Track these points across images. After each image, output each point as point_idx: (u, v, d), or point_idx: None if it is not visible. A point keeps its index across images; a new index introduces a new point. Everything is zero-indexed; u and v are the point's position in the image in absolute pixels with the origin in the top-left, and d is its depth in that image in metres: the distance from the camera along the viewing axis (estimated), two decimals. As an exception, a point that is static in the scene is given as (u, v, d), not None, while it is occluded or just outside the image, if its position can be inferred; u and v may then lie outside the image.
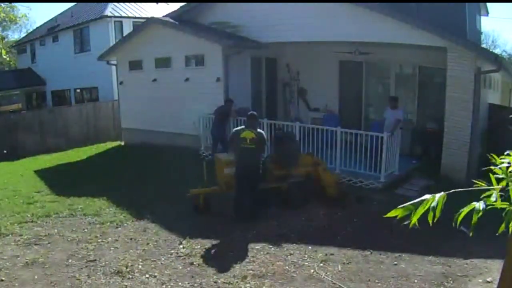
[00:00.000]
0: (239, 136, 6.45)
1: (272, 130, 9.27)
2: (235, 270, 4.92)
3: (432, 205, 1.88)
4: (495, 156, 2.00)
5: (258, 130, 6.65)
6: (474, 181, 2.01)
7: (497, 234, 2.06)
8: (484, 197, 1.92)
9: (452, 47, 8.52)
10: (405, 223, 1.98)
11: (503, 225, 1.93)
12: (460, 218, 1.89)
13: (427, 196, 1.94)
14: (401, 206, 1.92)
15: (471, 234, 1.94)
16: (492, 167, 1.99)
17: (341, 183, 8.09)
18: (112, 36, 18.05)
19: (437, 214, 1.91)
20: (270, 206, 6.99)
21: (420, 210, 1.91)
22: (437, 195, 1.92)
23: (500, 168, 1.95)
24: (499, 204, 1.90)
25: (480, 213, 1.85)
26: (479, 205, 1.86)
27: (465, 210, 1.86)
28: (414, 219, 1.91)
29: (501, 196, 1.91)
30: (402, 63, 11.10)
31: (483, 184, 1.97)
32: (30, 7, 38.26)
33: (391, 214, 1.93)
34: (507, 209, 1.92)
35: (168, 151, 11.40)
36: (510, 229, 1.91)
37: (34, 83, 22.97)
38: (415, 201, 1.94)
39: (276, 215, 6.76)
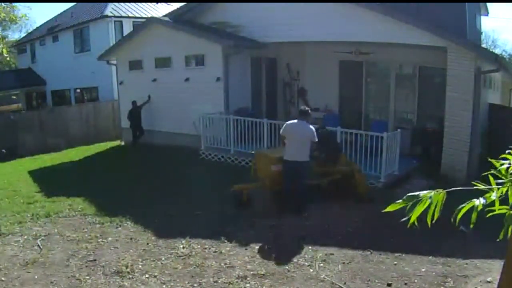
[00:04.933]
0: None
1: (272, 130, 9.28)
2: (235, 270, 4.91)
3: (429, 196, 1.88)
4: (494, 162, 1.98)
5: None
6: (473, 182, 2.00)
7: (497, 240, 2.05)
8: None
9: (452, 47, 8.53)
10: (404, 219, 1.97)
11: (502, 232, 1.92)
12: (460, 216, 1.88)
13: (424, 192, 1.93)
14: (398, 201, 1.94)
15: (471, 226, 1.93)
16: (493, 171, 1.97)
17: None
18: (112, 36, 18.05)
19: (437, 213, 1.90)
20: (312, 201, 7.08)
21: (419, 208, 1.90)
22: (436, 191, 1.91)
23: (499, 171, 1.93)
24: (498, 207, 1.89)
25: (480, 207, 1.83)
26: (479, 201, 1.85)
27: (465, 207, 1.85)
28: (413, 218, 1.91)
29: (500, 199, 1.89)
30: (402, 63, 11.11)
31: (481, 186, 1.96)
32: (30, 7, 38.26)
33: (390, 208, 1.98)
34: (506, 214, 1.90)
35: (168, 150, 11.41)
36: (509, 233, 1.90)
37: (34, 83, 22.95)
38: (412, 194, 1.94)
39: (276, 215, 6.76)
